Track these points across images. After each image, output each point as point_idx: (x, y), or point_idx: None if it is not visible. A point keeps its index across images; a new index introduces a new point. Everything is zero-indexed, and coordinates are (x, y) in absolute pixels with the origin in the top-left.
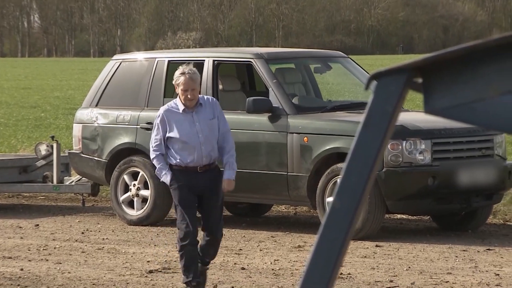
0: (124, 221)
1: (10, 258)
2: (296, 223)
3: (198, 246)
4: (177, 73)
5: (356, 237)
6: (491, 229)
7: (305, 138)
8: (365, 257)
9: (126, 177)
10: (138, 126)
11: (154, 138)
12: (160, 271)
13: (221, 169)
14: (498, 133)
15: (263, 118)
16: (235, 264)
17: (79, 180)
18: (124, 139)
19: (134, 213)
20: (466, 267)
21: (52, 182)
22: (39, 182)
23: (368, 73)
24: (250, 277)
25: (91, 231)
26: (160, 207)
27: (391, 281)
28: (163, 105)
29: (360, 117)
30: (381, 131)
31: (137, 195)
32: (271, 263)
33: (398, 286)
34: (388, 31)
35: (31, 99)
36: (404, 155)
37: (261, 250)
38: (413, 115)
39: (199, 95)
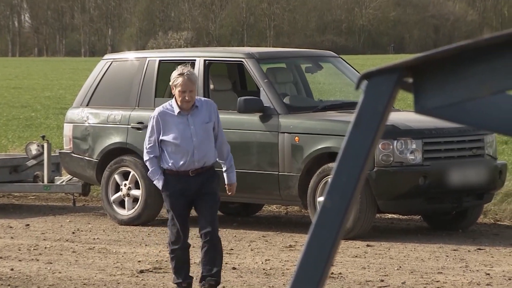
0: (115, 221)
1: (1, 258)
2: (287, 223)
3: (200, 259)
4: (174, 74)
5: (347, 236)
6: (481, 229)
7: (296, 137)
8: (356, 256)
9: (117, 176)
10: (129, 126)
11: (148, 140)
12: (151, 271)
13: (216, 169)
14: (488, 132)
15: (254, 118)
16: (226, 263)
17: (70, 180)
18: (115, 138)
19: (125, 213)
20: (457, 267)
21: (43, 182)
22: (30, 182)
23: (359, 72)
24: (241, 277)
25: (82, 231)
26: (151, 206)
27: (382, 280)
28: (154, 105)
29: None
30: (372, 131)
31: (128, 195)
32: (262, 263)
33: (389, 286)
34: (379, 30)
35: (22, 99)
36: (395, 154)
37: (252, 250)
38: (404, 115)
39: (196, 97)
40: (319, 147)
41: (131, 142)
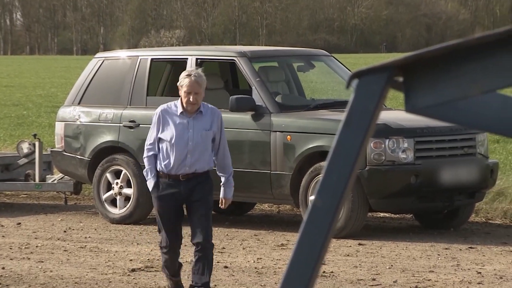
0: (107, 220)
1: None
2: (279, 222)
3: (192, 267)
4: (183, 74)
5: (339, 235)
6: (473, 228)
7: (288, 136)
8: (348, 255)
9: (108, 175)
10: (121, 125)
11: (149, 137)
12: (143, 270)
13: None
14: (480, 131)
15: (246, 117)
16: (218, 262)
17: (61, 178)
18: (107, 137)
19: (116, 211)
20: (448, 265)
21: (34, 181)
22: (21, 181)
23: (351, 71)
24: (233, 275)
25: (73, 229)
26: (143, 205)
27: (374, 279)
28: (146, 103)
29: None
30: (362, 130)
31: (120, 193)
32: (254, 262)
33: (380, 284)
34: (372, 29)
35: (13, 97)
36: (387, 153)
37: (244, 249)
38: (396, 114)
39: (203, 103)
40: (311, 145)
41: (123, 140)
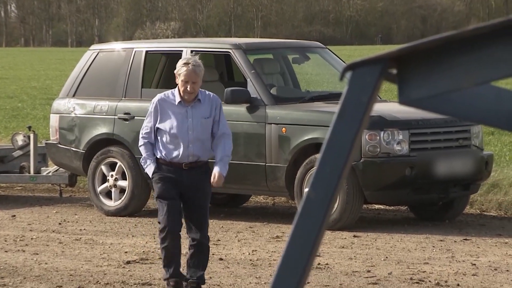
0: (102, 212)
1: None
2: (274, 214)
3: (187, 259)
4: (180, 62)
5: (334, 227)
6: (468, 219)
7: (283, 128)
8: (343, 247)
9: (103, 167)
10: (115, 117)
11: (145, 126)
12: (138, 262)
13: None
14: (474, 123)
15: (241, 109)
16: (213, 254)
17: (56, 170)
18: (102, 129)
19: (111, 203)
20: (443, 257)
21: (29, 173)
22: (16, 173)
23: (346, 63)
24: (228, 267)
25: (68, 221)
26: (138, 197)
27: (369, 271)
28: (141, 95)
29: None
30: (356, 122)
31: (115, 185)
32: (249, 254)
33: (375, 276)
34: (367, 21)
35: (8, 89)
36: (382, 145)
37: (239, 241)
38: (391, 106)
39: (200, 90)
40: (306, 138)
41: (117, 133)
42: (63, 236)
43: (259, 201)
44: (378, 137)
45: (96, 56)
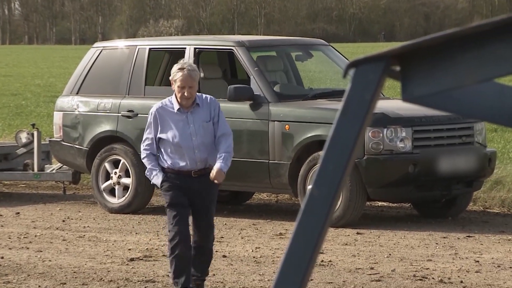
0: (105, 209)
1: None
2: (278, 211)
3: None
4: (174, 68)
5: (337, 224)
6: (471, 216)
7: (286, 126)
8: (346, 244)
9: (107, 165)
10: (119, 114)
11: (146, 137)
12: (141, 259)
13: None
14: (477, 120)
15: (245, 106)
16: (216, 251)
17: (60, 168)
18: (105, 127)
19: (115, 201)
20: (446, 254)
21: (33, 170)
22: (20, 170)
23: (349, 61)
24: (232, 264)
25: (72, 219)
26: (141, 195)
27: (372, 268)
28: (144, 93)
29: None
30: (359, 119)
31: (118, 183)
32: (252, 251)
33: (378, 273)
34: (370, 18)
35: (12, 87)
36: (385, 142)
37: (242, 238)
38: (394, 103)
39: (198, 94)
40: (309, 135)
41: (121, 130)
42: (67, 234)
43: (263, 198)
44: (381, 134)
45: (99, 53)
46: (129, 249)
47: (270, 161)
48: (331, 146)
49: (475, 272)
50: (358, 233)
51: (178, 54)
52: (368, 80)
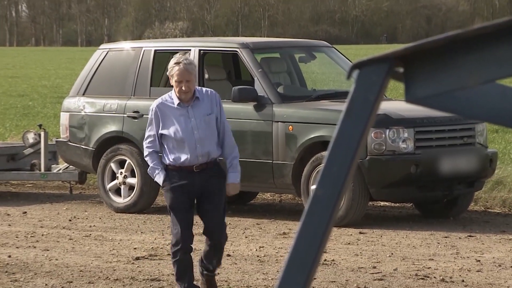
0: (111, 209)
1: None
2: (281, 211)
3: (202, 252)
4: (171, 63)
5: (340, 224)
6: (472, 216)
7: (290, 126)
8: (349, 243)
9: (113, 165)
10: (125, 115)
11: (147, 135)
12: (147, 258)
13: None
14: (479, 121)
15: (249, 107)
16: None
17: (66, 168)
18: (111, 127)
19: (121, 200)
20: (448, 253)
21: (40, 170)
22: (27, 170)
23: (352, 62)
24: (236, 263)
25: (78, 218)
26: (146, 194)
27: (374, 267)
28: (150, 94)
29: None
30: (363, 120)
31: (124, 183)
32: (256, 250)
33: (381, 272)
34: (373, 21)
35: (19, 88)
36: (388, 143)
37: (246, 237)
38: (396, 104)
39: (197, 87)
40: (313, 135)
41: (127, 130)
42: (73, 233)
43: (266, 198)
44: (383, 135)
45: (105, 55)
46: (135, 248)
47: (273, 162)
48: (335, 146)
49: (477, 271)
50: (360, 233)
51: (184, 52)
52: (372, 81)
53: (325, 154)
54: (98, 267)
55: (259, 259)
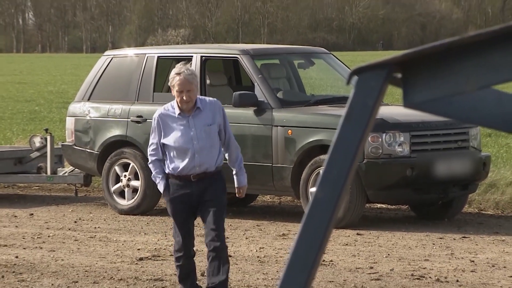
0: (116, 211)
1: (6, 246)
2: (281, 212)
3: (206, 270)
4: (172, 73)
5: (338, 225)
6: (466, 218)
7: (289, 131)
8: (347, 244)
9: (117, 168)
10: (128, 119)
11: (151, 143)
12: (150, 259)
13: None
14: (473, 126)
15: (249, 112)
16: None
17: (72, 171)
18: (115, 131)
19: (125, 202)
20: (443, 254)
21: (46, 173)
22: (34, 173)
23: (349, 68)
24: (236, 264)
25: (83, 220)
26: (150, 197)
27: (371, 267)
28: (153, 99)
29: (341, 111)
30: (362, 124)
31: (128, 185)
32: (256, 251)
33: (377, 272)
34: (369, 28)
35: (26, 93)
36: (384, 147)
37: (247, 238)
38: (393, 109)
39: (200, 97)
40: (311, 139)
41: (130, 135)
42: (79, 234)
43: (266, 200)
44: (380, 139)
45: (110, 61)
46: (138, 249)
47: (273, 165)
48: (335, 150)
49: (471, 271)
50: (358, 234)
51: (185, 62)
52: (370, 86)
53: (325, 157)
54: (103, 267)
55: (259, 260)
